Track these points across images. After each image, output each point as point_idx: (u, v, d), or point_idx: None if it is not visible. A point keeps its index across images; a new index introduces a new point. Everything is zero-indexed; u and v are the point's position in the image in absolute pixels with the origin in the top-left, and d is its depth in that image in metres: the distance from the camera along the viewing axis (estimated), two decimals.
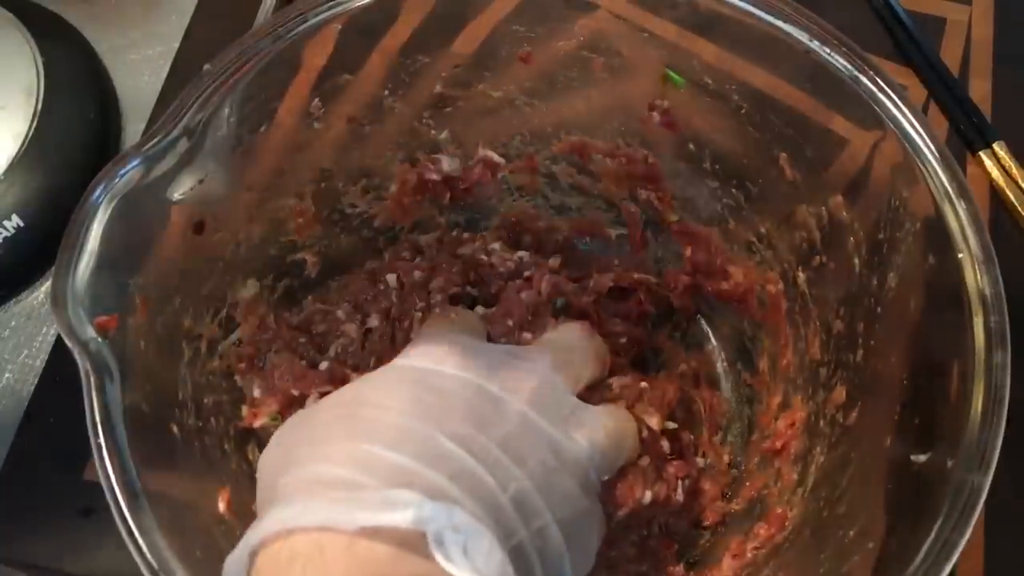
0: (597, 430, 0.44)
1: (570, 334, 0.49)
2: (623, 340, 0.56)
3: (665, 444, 0.51)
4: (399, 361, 0.44)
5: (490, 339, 0.50)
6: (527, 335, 0.50)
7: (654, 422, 0.49)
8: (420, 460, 0.36)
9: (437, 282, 0.53)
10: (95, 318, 0.41)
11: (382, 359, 0.51)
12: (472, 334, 0.48)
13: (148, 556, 0.37)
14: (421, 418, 0.38)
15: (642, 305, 0.58)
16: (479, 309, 0.52)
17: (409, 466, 0.36)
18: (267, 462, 0.41)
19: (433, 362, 0.43)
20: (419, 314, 0.52)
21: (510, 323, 0.51)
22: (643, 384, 0.50)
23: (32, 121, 0.64)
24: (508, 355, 0.46)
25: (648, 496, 0.47)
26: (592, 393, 0.48)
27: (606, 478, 0.45)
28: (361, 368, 0.52)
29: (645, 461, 0.47)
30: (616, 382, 0.50)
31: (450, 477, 0.36)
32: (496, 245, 0.55)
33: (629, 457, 0.47)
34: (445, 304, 0.52)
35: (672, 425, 0.52)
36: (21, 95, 0.65)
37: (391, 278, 0.54)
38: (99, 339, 0.41)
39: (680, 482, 0.51)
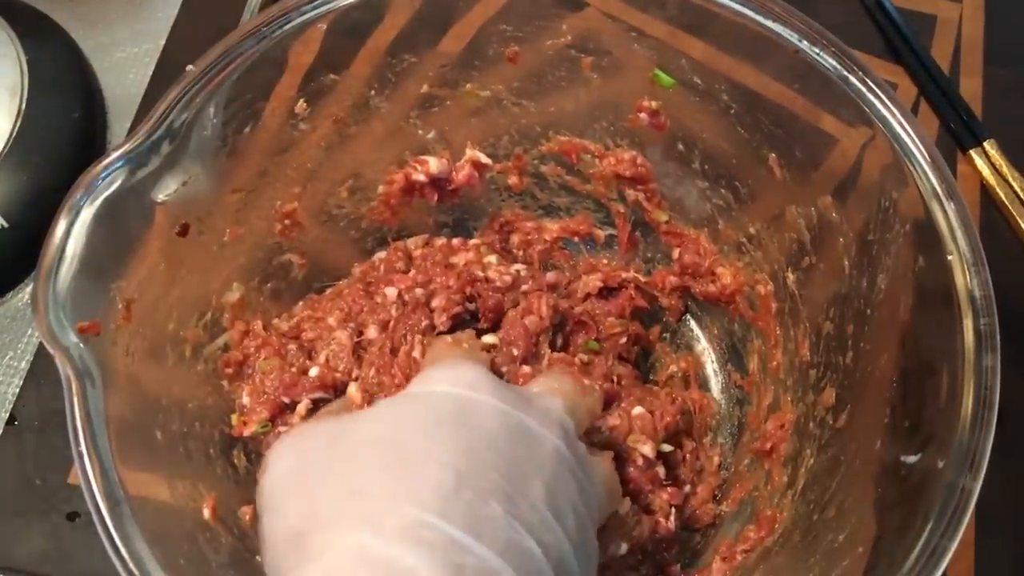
0: (600, 480, 0.44)
1: (566, 387, 0.48)
2: (623, 340, 0.56)
3: (661, 469, 0.51)
4: (433, 387, 0.42)
5: (493, 369, 0.50)
6: (526, 368, 0.50)
7: (647, 449, 0.49)
8: (471, 531, 0.35)
9: (438, 301, 0.52)
10: (77, 323, 0.40)
11: (382, 371, 0.50)
12: (483, 365, 0.48)
13: (130, 565, 0.37)
14: (468, 471, 0.37)
15: (633, 300, 0.58)
16: (486, 338, 0.51)
17: (461, 540, 0.35)
18: (285, 487, 0.40)
19: (467, 388, 0.41)
20: (420, 336, 0.51)
21: (515, 352, 0.51)
22: (637, 410, 0.50)
23: (16, 120, 0.64)
24: (528, 393, 0.45)
25: (624, 547, 0.47)
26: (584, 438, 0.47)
27: None
28: (355, 376, 0.52)
29: (626, 507, 0.47)
30: (605, 424, 0.49)
31: (500, 553, 0.35)
32: (492, 258, 0.55)
33: (613, 509, 0.46)
34: (448, 323, 0.52)
35: (667, 448, 0.52)
36: (5, 94, 0.64)
37: (390, 292, 0.53)
38: (81, 344, 0.40)
39: (673, 509, 0.50)
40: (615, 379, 0.53)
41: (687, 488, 0.53)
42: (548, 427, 0.41)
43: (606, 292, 0.58)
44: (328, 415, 0.47)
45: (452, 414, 0.40)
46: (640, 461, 0.49)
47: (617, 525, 0.47)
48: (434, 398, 0.41)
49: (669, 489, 0.51)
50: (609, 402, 0.51)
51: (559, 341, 0.54)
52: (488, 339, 0.51)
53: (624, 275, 0.58)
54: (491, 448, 0.38)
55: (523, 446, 0.40)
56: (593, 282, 0.57)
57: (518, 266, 0.55)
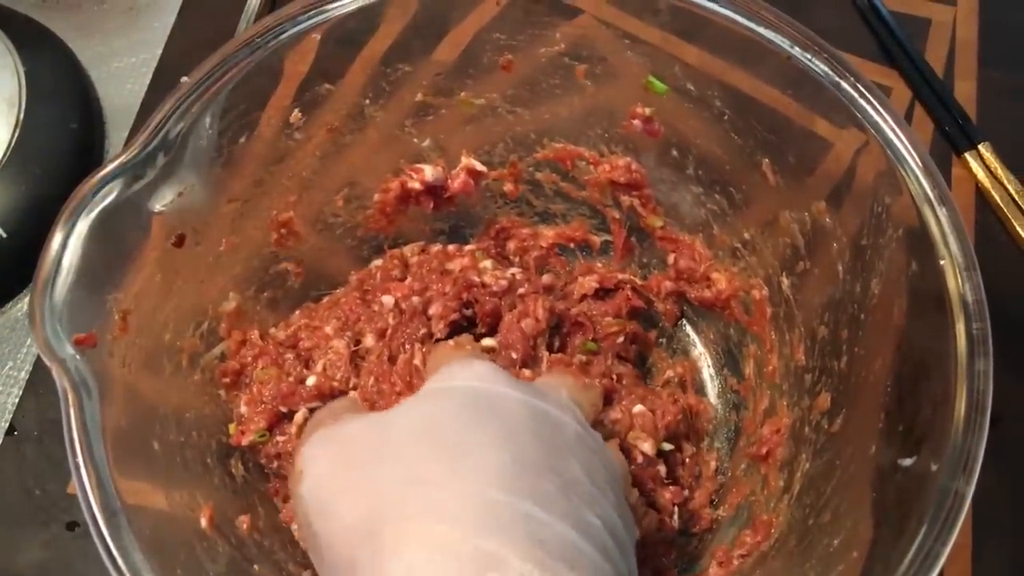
0: (617, 462, 0.44)
1: (568, 383, 0.48)
2: (621, 339, 0.56)
3: (662, 468, 0.51)
4: (452, 383, 0.42)
5: None
6: (526, 372, 0.50)
7: (647, 447, 0.49)
8: (539, 504, 0.35)
9: (435, 308, 0.52)
10: (73, 335, 0.41)
11: (381, 379, 0.50)
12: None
13: (127, 574, 0.37)
14: (517, 450, 0.37)
15: (630, 300, 0.58)
16: (485, 341, 0.52)
17: (534, 514, 0.34)
18: (332, 488, 0.39)
19: (484, 381, 0.41)
20: (419, 344, 0.52)
21: (514, 356, 0.51)
22: (638, 408, 0.50)
23: (14, 131, 0.64)
24: (536, 386, 0.45)
25: (636, 533, 0.47)
26: None
27: None
28: (353, 385, 0.52)
29: (634, 496, 0.47)
30: (607, 418, 0.49)
31: (572, 524, 0.35)
32: (487, 263, 0.55)
33: (626, 494, 0.46)
34: (445, 331, 0.52)
35: (668, 447, 0.52)
36: (3, 104, 0.65)
37: (387, 300, 0.53)
38: (77, 356, 0.40)
39: (676, 508, 0.50)
40: (615, 377, 0.53)
41: (685, 493, 0.53)
42: (565, 413, 0.42)
43: (602, 293, 0.58)
44: (336, 413, 0.47)
45: (481, 404, 0.40)
46: (640, 459, 0.49)
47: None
48: (458, 392, 0.41)
49: (671, 488, 0.51)
50: (608, 399, 0.51)
51: (556, 343, 0.54)
52: (487, 342, 0.52)
53: (620, 276, 0.59)
54: (526, 431, 0.38)
55: (551, 430, 0.40)
56: (589, 283, 0.58)
57: (513, 270, 0.55)
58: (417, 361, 0.51)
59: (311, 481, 0.40)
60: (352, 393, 0.51)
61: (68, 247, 0.41)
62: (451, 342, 0.50)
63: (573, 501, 0.36)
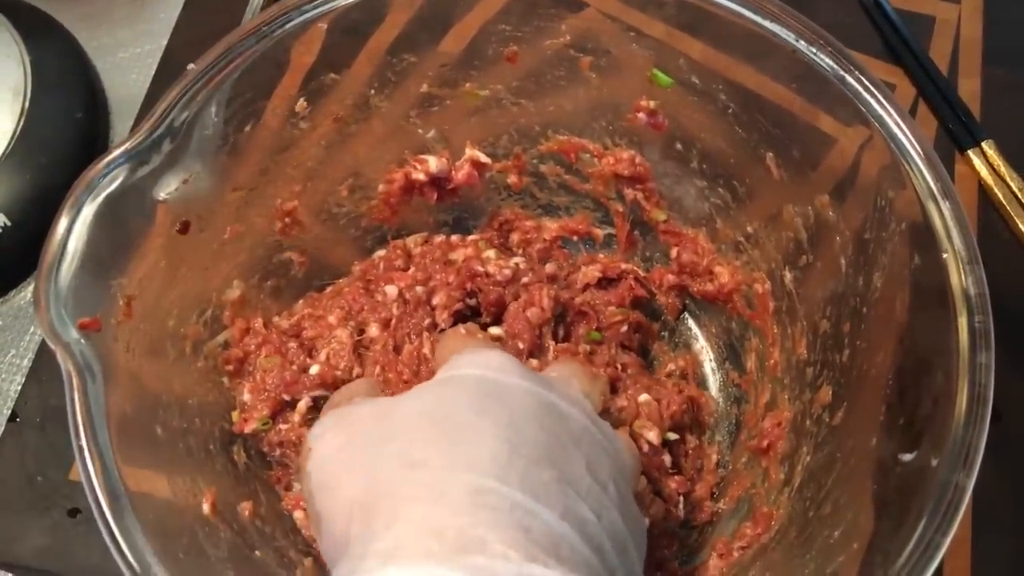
0: (625, 450, 0.44)
1: (577, 373, 0.48)
2: (624, 328, 0.56)
3: (667, 458, 0.51)
4: (464, 371, 0.42)
5: None
6: (533, 362, 0.50)
7: (652, 436, 0.49)
8: (530, 494, 0.35)
9: (439, 298, 0.53)
10: (78, 319, 0.41)
11: (387, 368, 0.50)
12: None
13: (130, 559, 0.37)
14: (518, 441, 0.37)
15: (633, 289, 0.58)
16: (492, 330, 0.52)
17: (523, 503, 0.35)
18: (336, 464, 0.40)
19: (496, 371, 0.41)
20: (425, 333, 0.52)
21: (521, 346, 0.51)
22: (643, 398, 0.50)
23: (19, 120, 0.64)
24: (547, 377, 0.45)
25: (645, 522, 0.47)
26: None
27: None
28: (357, 375, 0.52)
29: (642, 484, 0.47)
30: (614, 406, 0.49)
31: (561, 516, 0.35)
32: (491, 253, 0.55)
33: (638, 479, 0.46)
34: (450, 321, 0.52)
35: (673, 436, 0.52)
36: (8, 94, 0.65)
37: (391, 290, 0.53)
38: (82, 340, 0.40)
39: (681, 497, 0.51)
40: (619, 366, 0.53)
41: (689, 484, 0.53)
42: (573, 406, 0.42)
43: (605, 283, 0.58)
44: (352, 394, 0.46)
45: (489, 393, 0.40)
46: (646, 448, 0.50)
47: (638, 499, 0.47)
48: (468, 380, 0.41)
49: (676, 477, 0.51)
50: (613, 388, 0.51)
51: (560, 332, 0.54)
52: (494, 331, 0.52)
53: (623, 266, 0.59)
54: (531, 422, 0.39)
55: (557, 422, 0.40)
56: (592, 272, 0.58)
57: (517, 259, 0.55)
58: (426, 350, 0.51)
59: (317, 458, 0.41)
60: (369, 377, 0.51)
61: (73, 232, 0.41)
62: (461, 328, 0.49)
63: (569, 495, 0.36)
